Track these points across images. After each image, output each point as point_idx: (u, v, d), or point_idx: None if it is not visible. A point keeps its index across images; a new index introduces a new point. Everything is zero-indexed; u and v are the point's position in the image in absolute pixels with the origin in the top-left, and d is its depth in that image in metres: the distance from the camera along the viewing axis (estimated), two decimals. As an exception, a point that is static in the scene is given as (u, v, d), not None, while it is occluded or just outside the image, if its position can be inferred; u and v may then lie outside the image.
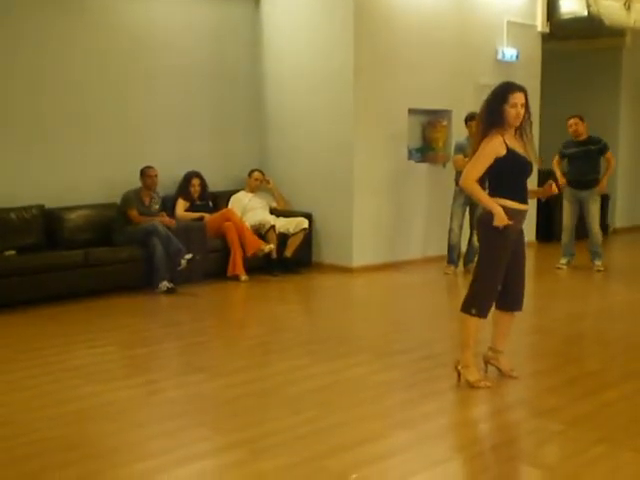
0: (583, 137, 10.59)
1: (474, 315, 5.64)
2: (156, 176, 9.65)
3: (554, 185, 5.82)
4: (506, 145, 5.49)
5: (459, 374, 5.76)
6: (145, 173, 9.62)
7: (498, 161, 5.49)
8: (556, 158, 10.83)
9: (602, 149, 10.61)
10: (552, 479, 4.25)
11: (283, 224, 10.40)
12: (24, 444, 4.71)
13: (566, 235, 10.79)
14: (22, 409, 5.34)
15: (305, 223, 10.41)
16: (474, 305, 5.64)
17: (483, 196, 5.54)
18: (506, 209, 5.49)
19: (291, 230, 10.35)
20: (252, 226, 10.21)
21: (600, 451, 4.59)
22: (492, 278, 5.63)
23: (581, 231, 10.80)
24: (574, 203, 10.67)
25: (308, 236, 10.55)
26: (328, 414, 5.20)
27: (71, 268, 8.71)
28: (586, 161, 10.54)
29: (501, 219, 5.42)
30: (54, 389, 5.74)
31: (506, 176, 5.52)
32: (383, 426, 5.04)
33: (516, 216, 5.56)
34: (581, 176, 10.52)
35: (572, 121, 10.59)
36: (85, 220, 9.47)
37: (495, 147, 5.49)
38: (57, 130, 9.53)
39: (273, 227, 10.24)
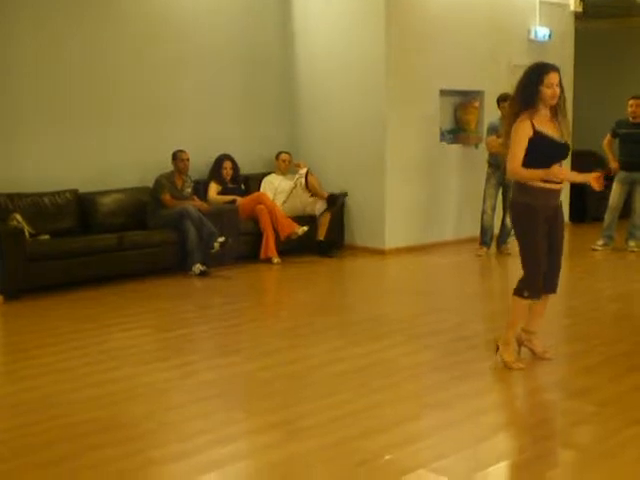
0: (639, 119, 10.46)
1: (527, 297, 5.65)
2: (188, 160, 9.70)
3: (601, 179, 5.76)
4: (533, 127, 5.48)
5: (497, 348, 5.78)
6: (177, 157, 9.67)
7: (528, 143, 5.50)
8: (607, 137, 10.66)
9: None
10: (586, 460, 4.24)
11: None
12: (60, 426, 4.75)
13: (609, 216, 10.66)
14: (57, 392, 5.39)
15: (324, 205, 10.40)
16: (526, 288, 5.65)
17: (535, 173, 5.50)
18: (535, 189, 5.50)
19: (317, 212, 10.36)
20: (284, 206, 10.29)
21: (634, 432, 4.58)
22: (535, 259, 5.60)
23: (624, 212, 10.71)
24: (625, 184, 10.51)
25: (340, 218, 10.56)
26: (362, 396, 5.22)
27: (105, 252, 8.78)
28: (637, 144, 10.35)
29: (554, 174, 5.45)
30: (89, 372, 5.80)
31: (534, 157, 5.50)
32: (417, 407, 5.06)
33: (546, 196, 5.56)
34: (633, 157, 10.36)
35: (633, 102, 10.44)
36: (118, 204, 9.54)
37: (524, 131, 5.48)
38: (89, 115, 9.58)
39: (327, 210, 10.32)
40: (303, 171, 10.44)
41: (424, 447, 4.44)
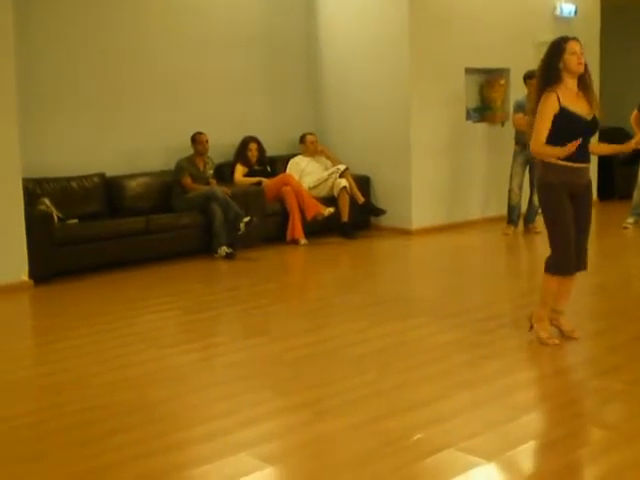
0: None
1: (556, 274, 5.63)
2: (207, 141, 9.69)
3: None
4: (559, 102, 5.44)
5: (532, 325, 5.77)
6: (196, 140, 9.67)
7: (553, 118, 5.47)
8: (635, 113, 10.30)
9: None
10: (616, 438, 4.21)
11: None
12: (88, 409, 4.79)
13: (638, 193, 10.53)
14: (85, 374, 5.44)
15: (343, 182, 10.28)
16: (555, 265, 5.62)
17: (554, 151, 5.45)
18: (558, 167, 5.47)
19: (335, 193, 10.34)
20: (311, 189, 10.24)
21: (664, 410, 4.56)
22: (563, 236, 5.56)
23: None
24: None
25: (367, 198, 10.50)
26: (389, 375, 5.22)
27: (132, 235, 8.81)
28: None
29: (562, 151, 5.36)
30: (117, 354, 5.83)
31: (560, 133, 5.46)
32: (445, 387, 5.04)
33: (571, 173, 5.52)
34: None
35: None
36: (145, 187, 9.56)
37: (550, 105, 5.45)
38: (114, 99, 9.59)
39: (345, 188, 10.23)
40: (341, 167, 10.38)
41: (453, 427, 4.42)
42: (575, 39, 5.53)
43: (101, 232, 8.66)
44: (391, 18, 10.30)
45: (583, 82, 5.57)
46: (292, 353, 5.76)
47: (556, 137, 5.44)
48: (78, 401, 4.92)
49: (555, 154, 5.44)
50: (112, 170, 9.45)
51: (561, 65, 5.47)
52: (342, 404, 4.73)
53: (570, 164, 5.47)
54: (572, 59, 5.45)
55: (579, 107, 5.50)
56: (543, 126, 5.47)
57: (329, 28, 11.14)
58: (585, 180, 5.66)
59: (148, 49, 9.83)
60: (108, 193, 9.37)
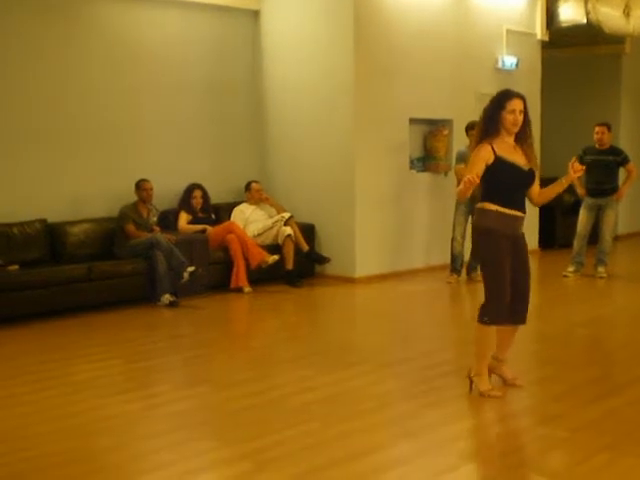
0: (605, 146, 10.50)
1: (486, 323, 5.62)
2: (151, 189, 9.65)
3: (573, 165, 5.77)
4: (494, 153, 5.52)
5: (471, 382, 5.75)
6: (140, 186, 9.63)
7: (488, 168, 5.53)
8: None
9: (622, 161, 10.53)
10: (558, 487, 4.24)
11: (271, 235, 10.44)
12: (25, 459, 4.69)
13: (578, 242, 10.68)
14: (23, 424, 5.33)
15: (288, 230, 10.30)
16: (486, 313, 5.63)
17: (459, 189, 5.54)
18: (494, 212, 5.55)
19: (280, 241, 10.34)
20: (256, 237, 10.23)
21: (605, 458, 4.58)
22: (497, 283, 5.59)
23: (592, 238, 10.73)
24: (591, 210, 10.58)
25: (311, 246, 10.52)
26: (332, 425, 5.19)
27: (74, 282, 8.71)
28: (604, 170, 10.39)
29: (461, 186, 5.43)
30: (57, 403, 5.73)
31: (496, 183, 5.54)
32: (388, 436, 5.03)
33: (505, 221, 5.58)
34: (598, 185, 10.42)
35: (599, 129, 10.47)
36: (88, 234, 9.47)
37: (482, 155, 5.53)
38: (58, 144, 9.54)
39: (289, 236, 10.23)
40: (286, 215, 10.40)
41: (396, 476, 4.42)
42: (518, 96, 5.57)
43: (42, 279, 8.53)
44: (337, 68, 10.39)
45: (520, 136, 5.65)
46: (234, 402, 5.70)
47: (496, 187, 5.53)
48: (16, 452, 4.81)
49: (458, 191, 5.55)
50: (54, 216, 9.37)
51: (498, 120, 5.56)
52: (284, 454, 4.69)
53: (506, 210, 5.54)
54: (508, 118, 5.53)
55: (515, 158, 5.58)
56: (470, 173, 5.50)
57: (274, 79, 11.21)
58: (519, 231, 5.70)
59: (93, 95, 9.79)
60: (50, 239, 9.26)
